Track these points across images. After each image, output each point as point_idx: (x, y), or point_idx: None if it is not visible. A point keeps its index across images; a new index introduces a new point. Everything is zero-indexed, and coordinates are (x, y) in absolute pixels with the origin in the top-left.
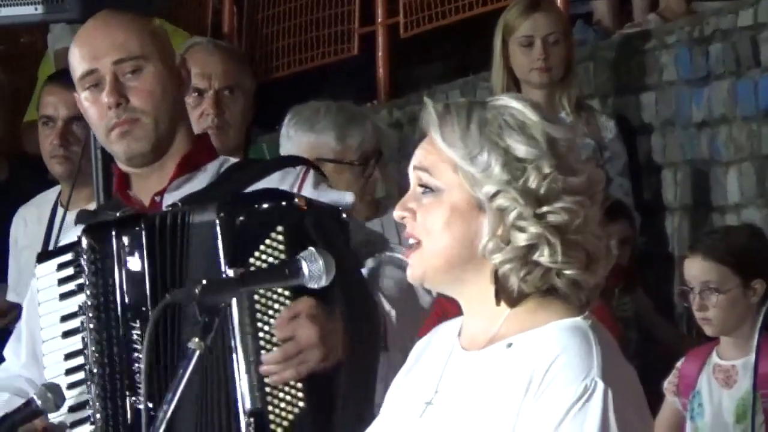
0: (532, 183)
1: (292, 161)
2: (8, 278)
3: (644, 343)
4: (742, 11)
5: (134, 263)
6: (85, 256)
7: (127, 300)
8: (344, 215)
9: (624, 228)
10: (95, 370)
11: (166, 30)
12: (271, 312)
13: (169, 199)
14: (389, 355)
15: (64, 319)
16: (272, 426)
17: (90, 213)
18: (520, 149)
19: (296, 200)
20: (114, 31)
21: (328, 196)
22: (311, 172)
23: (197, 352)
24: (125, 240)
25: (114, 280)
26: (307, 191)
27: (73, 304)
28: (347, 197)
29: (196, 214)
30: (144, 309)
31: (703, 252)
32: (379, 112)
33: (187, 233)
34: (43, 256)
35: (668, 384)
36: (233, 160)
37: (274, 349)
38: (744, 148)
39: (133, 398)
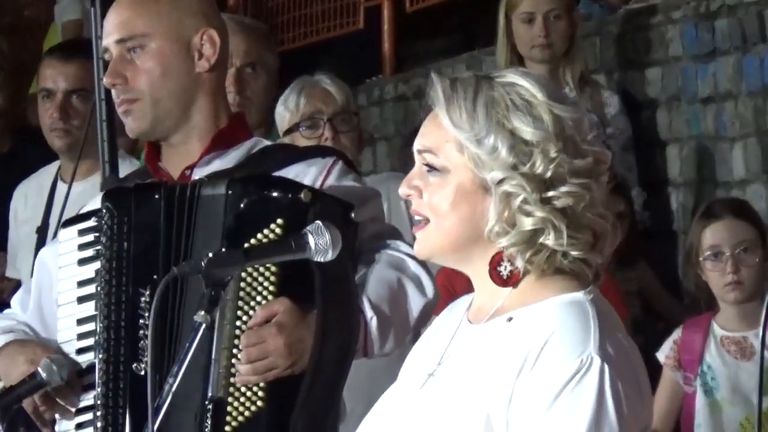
0: (539, 167)
1: (323, 151)
2: (7, 252)
3: (647, 318)
4: None
5: (149, 230)
6: (103, 221)
7: (138, 266)
8: (352, 214)
9: (618, 203)
10: (101, 335)
11: (188, 4)
12: (252, 303)
13: (198, 174)
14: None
15: (81, 284)
16: (228, 418)
17: (116, 180)
18: (527, 131)
19: (302, 194)
20: (123, 10)
21: (349, 189)
22: (338, 164)
23: (203, 325)
24: (143, 207)
25: (129, 245)
26: (330, 183)
27: (91, 270)
28: (369, 191)
29: (207, 187)
30: (155, 277)
31: (732, 213)
32: (385, 86)
33: (196, 205)
34: (67, 221)
35: (666, 358)
36: (266, 142)
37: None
38: (749, 123)
39: (135, 365)
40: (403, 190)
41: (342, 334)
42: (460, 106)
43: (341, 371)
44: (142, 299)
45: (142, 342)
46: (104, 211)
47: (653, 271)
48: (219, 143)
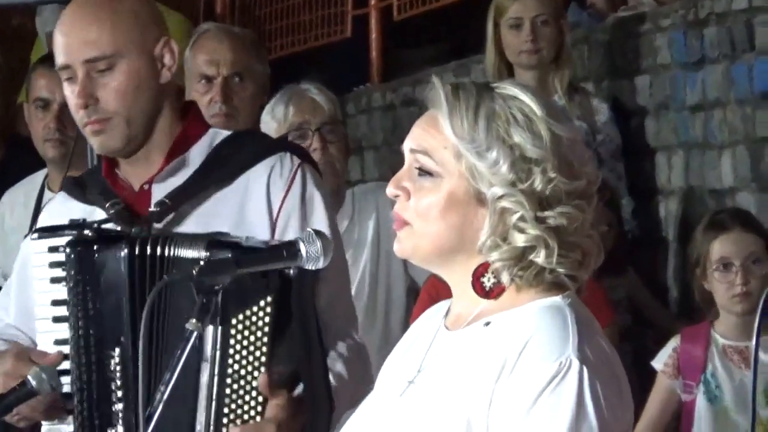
0: (538, 185)
1: (283, 146)
2: None
3: (637, 326)
4: None
5: (113, 290)
6: (70, 265)
7: (105, 327)
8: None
9: (606, 213)
10: (76, 396)
11: (150, 8)
12: (242, 382)
13: (156, 189)
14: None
15: (55, 303)
16: None
17: (76, 180)
18: (528, 148)
19: (291, 270)
20: (87, 26)
21: (313, 212)
22: (299, 173)
23: (195, 333)
24: (106, 265)
25: (95, 305)
26: (294, 196)
27: (62, 291)
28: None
29: (183, 246)
30: (122, 339)
31: (740, 225)
32: (373, 95)
33: (170, 265)
34: (38, 232)
35: (664, 366)
36: (224, 133)
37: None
38: (738, 131)
39: (110, 430)
40: (390, 189)
41: (325, 419)
42: (462, 115)
43: None
44: (112, 362)
45: (114, 406)
46: (68, 266)
47: (642, 279)
48: (176, 151)
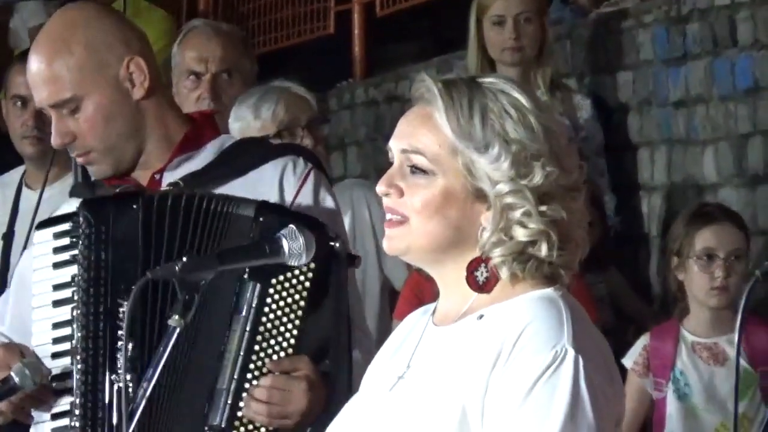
0: (538, 180)
1: (296, 150)
2: None
3: (619, 322)
4: None
5: (128, 240)
6: (81, 229)
7: (117, 276)
8: (356, 261)
9: (589, 209)
10: (80, 344)
11: (104, 29)
12: (272, 342)
13: (168, 177)
14: None
15: (57, 288)
16: None
17: (86, 185)
18: (526, 144)
19: (337, 243)
20: (44, 72)
21: (326, 213)
22: (312, 175)
23: (177, 330)
24: (122, 216)
25: (107, 255)
26: (306, 195)
27: (66, 274)
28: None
29: (230, 204)
30: (134, 287)
31: (727, 219)
32: (355, 90)
33: (209, 218)
34: (42, 224)
35: (634, 364)
36: (234, 138)
37: (260, 388)
38: (721, 127)
39: (113, 375)
40: (381, 188)
41: (343, 396)
42: (458, 112)
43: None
44: (121, 310)
45: (118, 353)
46: (81, 219)
47: (624, 276)
48: (186, 146)
